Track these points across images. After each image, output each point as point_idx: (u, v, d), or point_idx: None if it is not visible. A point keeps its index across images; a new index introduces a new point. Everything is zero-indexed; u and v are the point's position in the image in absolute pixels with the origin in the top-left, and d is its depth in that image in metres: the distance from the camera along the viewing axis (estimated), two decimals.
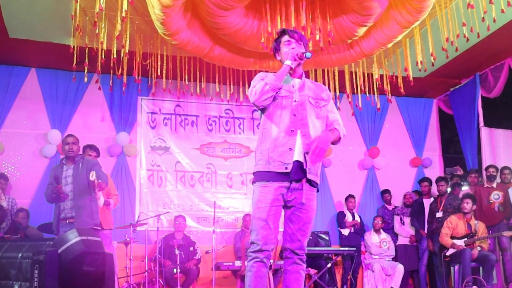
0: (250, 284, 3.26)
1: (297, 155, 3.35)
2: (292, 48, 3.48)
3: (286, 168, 3.31)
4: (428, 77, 9.26)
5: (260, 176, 3.39)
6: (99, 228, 6.02)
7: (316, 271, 8.31)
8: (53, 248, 3.63)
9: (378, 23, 6.60)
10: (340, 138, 3.58)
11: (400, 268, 8.58)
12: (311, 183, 3.41)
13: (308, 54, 3.40)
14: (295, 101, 3.43)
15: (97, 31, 6.51)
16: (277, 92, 3.38)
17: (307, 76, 8.30)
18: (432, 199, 8.86)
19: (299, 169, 3.35)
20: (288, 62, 3.40)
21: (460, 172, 9.25)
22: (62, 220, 5.94)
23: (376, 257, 8.86)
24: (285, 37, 3.55)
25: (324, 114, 3.56)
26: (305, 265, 3.43)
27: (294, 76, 3.54)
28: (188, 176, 9.12)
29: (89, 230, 4.82)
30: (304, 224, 3.38)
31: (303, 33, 6.37)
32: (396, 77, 8.18)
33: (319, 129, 3.48)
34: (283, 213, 3.47)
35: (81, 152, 6.39)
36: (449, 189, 8.93)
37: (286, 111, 3.41)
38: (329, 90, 8.34)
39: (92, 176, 5.68)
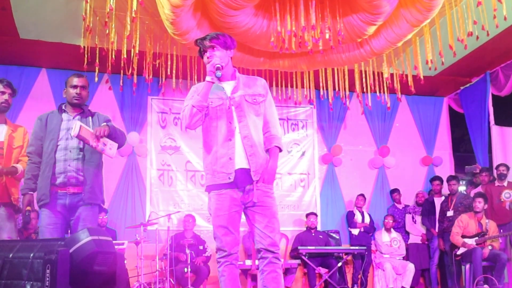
0: (226, 287, 3.35)
1: (240, 163, 3.38)
2: (208, 57, 3.47)
3: (230, 178, 3.35)
4: (438, 75, 9.21)
5: (212, 188, 3.43)
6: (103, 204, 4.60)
7: (326, 270, 8.30)
8: (64, 247, 3.64)
9: (388, 21, 6.59)
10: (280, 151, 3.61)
11: (411, 267, 8.55)
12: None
13: (219, 73, 3.36)
14: (228, 108, 3.44)
15: (107, 31, 6.54)
16: (208, 106, 3.41)
17: (317, 75, 8.41)
18: (443, 198, 8.83)
19: (244, 175, 3.37)
20: (208, 79, 3.39)
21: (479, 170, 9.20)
22: (60, 188, 4.21)
23: (387, 256, 8.83)
24: (201, 48, 3.54)
25: (263, 111, 3.55)
26: (280, 263, 3.43)
27: (224, 80, 3.52)
28: (199, 176, 9.12)
29: (100, 230, 4.83)
30: (269, 220, 3.38)
31: (312, 32, 6.43)
32: (406, 75, 8.16)
33: (260, 129, 3.51)
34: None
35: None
36: (460, 188, 8.88)
37: (221, 121, 3.42)
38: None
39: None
